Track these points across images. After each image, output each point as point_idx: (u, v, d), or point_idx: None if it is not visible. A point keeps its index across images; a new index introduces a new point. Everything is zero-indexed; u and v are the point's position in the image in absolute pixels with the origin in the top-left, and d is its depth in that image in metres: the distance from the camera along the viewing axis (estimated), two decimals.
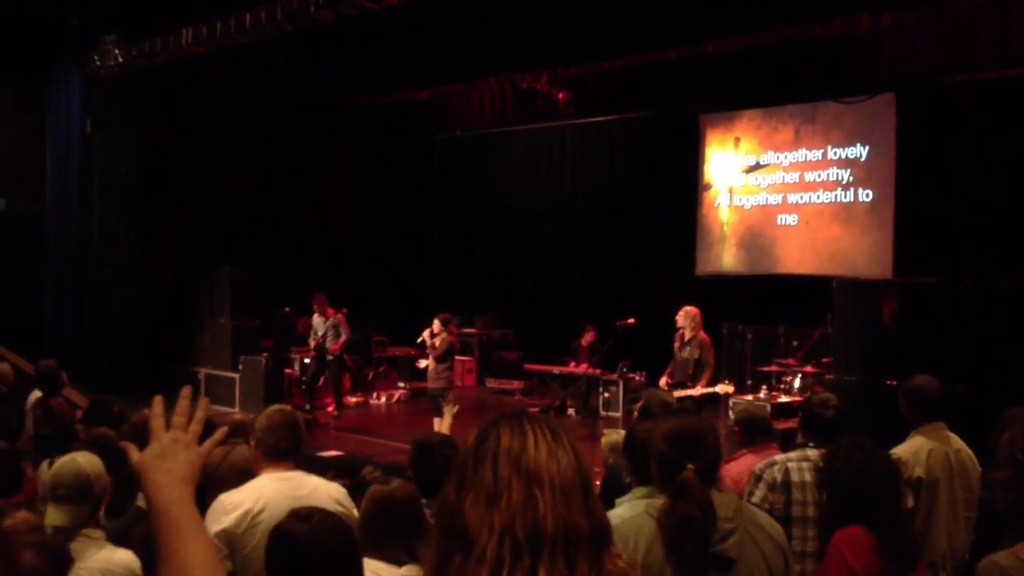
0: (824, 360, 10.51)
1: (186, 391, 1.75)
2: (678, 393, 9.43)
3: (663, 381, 10.07)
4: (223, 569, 1.59)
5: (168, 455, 1.63)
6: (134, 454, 1.65)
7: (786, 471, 4.22)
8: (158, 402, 1.72)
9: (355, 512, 3.57)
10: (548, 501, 1.46)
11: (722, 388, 9.51)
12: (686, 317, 9.84)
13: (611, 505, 3.95)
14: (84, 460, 3.71)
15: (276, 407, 3.97)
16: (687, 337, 9.78)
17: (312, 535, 2.55)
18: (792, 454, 4.40)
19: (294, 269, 15.07)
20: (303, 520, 2.62)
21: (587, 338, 13.99)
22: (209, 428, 5.44)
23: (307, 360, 13.92)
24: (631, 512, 3.56)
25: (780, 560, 2.86)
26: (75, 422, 6.47)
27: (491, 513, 1.45)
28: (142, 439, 1.70)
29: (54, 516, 3.52)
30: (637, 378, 12.89)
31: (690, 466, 2.72)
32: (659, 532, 2.67)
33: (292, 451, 3.76)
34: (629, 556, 2.60)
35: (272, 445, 3.72)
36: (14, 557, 2.58)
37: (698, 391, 9.52)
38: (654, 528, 2.67)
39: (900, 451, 4.53)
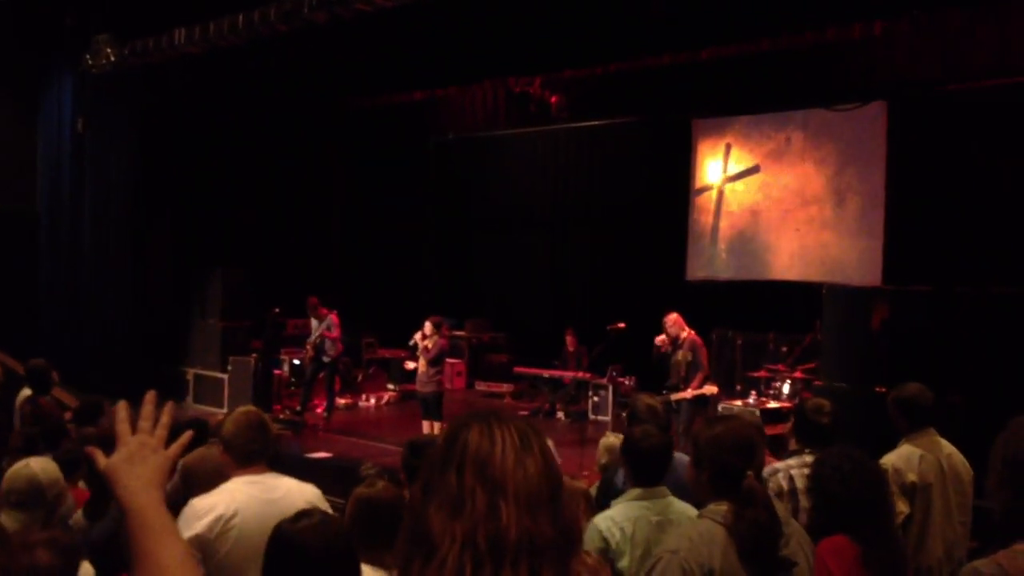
0: (812, 365, 10.55)
1: (150, 396, 1.72)
2: (674, 396, 9.52)
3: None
4: (197, 567, 1.59)
5: (136, 459, 1.62)
6: (101, 459, 1.64)
7: (790, 479, 4.22)
8: (122, 407, 1.69)
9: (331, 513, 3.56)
10: (512, 511, 1.44)
11: (708, 389, 9.64)
12: (675, 326, 9.92)
13: (606, 507, 3.97)
14: (38, 466, 3.68)
15: (242, 409, 3.89)
16: (680, 339, 9.84)
17: (314, 533, 2.55)
18: (791, 461, 4.41)
19: (286, 271, 15.05)
20: (299, 521, 2.62)
21: (570, 343, 14.01)
22: (200, 427, 5.45)
23: (297, 361, 13.91)
24: (627, 513, 3.58)
25: (812, 563, 2.91)
26: (65, 421, 6.46)
27: (454, 522, 1.44)
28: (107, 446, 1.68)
29: (6, 522, 3.47)
30: (627, 382, 12.91)
31: (750, 473, 2.73)
32: (731, 539, 2.67)
33: (262, 452, 3.70)
34: (705, 564, 2.63)
35: (242, 448, 3.66)
36: (19, 558, 2.58)
37: (690, 393, 9.59)
38: (725, 535, 2.68)
39: (891, 458, 4.54)
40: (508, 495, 1.45)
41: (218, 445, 5.42)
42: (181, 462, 5.37)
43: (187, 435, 1.78)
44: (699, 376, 9.73)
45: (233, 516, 3.44)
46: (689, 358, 9.81)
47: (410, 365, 11.51)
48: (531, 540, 1.43)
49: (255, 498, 3.48)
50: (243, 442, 3.66)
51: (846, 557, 3.26)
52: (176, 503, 5.29)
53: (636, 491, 3.70)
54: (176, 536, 1.59)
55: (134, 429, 1.67)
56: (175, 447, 1.70)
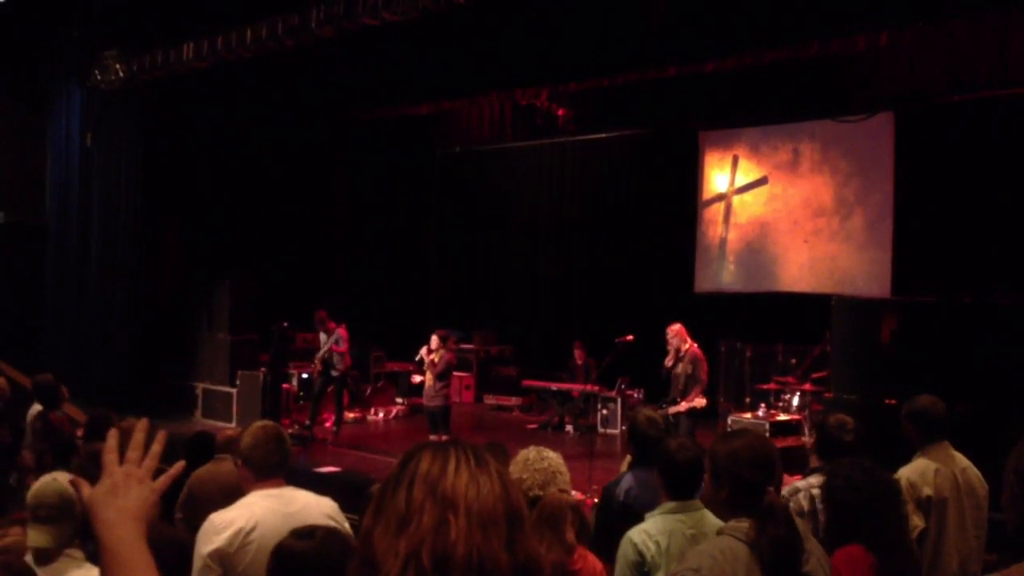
0: (822, 375, 10.52)
1: (142, 424, 1.67)
2: (671, 410, 9.47)
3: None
4: None
5: (120, 491, 1.57)
6: (85, 489, 1.59)
7: (811, 499, 4.19)
8: (112, 435, 1.64)
9: (347, 527, 3.55)
10: (462, 527, 1.36)
11: (697, 402, 9.56)
12: (676, 337, 9.88)
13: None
14: (65, 480, 3.67)
15: (259, 423, 3.90)
16: (682, 352, 9.81)
17: (315, 552, 2.53)
18: (812, 479, 4.36)
19: (293, 284, 15.06)
20: (306, 537, 2.60)
21: (578, 356, 13.99)
22: (206, 441, 5.41)
23: (305, 375, 13.90)
24: (662, 526, 3.57)
25: None
26: (76, 437, 6.46)
27: (399, 539, 1.37)
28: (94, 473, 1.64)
29: (36, 537, 3.48)
30: (635, 395, 12.89)
31: (770, 488, 2.72)
32: (753, 556, 2.65)
33: (280, 466, 3.70)
34: None
35: (260, 462, 3.66)
36: None
37: (684, 407, 9.56)
38: (748, 553, 2.66)
39: (907, 472, 4.50)
40: (459, 510, 1.39)
41: (226, 460, 5.43)
42: (186, 485, 5.36)
43: (178, 466, 1.73)
44: (697, 390, 9.68)
45: (252, 530, 3.44)
46: (689, 371, 9.77)
47: (417, 379, 11.50)
48: (481, 561, 1.35)
49: (274, 511, 3.47)
50: (261, 456, 3.66)
51: (861, 567, 3.24)
52: (184, 519, 5.31)
53: (671, 504, 3.69)
54: (150, 573, 1.53)
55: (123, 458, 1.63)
56: (163, 479, 1.65)
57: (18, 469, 5.47)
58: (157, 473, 1.65)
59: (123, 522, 1.55)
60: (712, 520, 3.64)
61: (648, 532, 3.59)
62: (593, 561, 3.74)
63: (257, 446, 3.68)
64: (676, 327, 10.00)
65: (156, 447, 1.67)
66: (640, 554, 3.53)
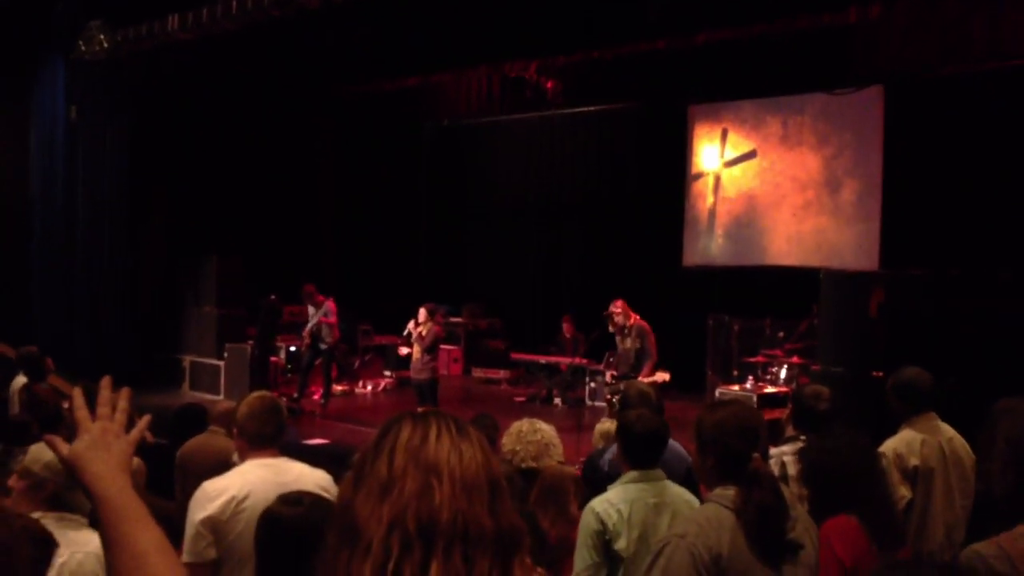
0: (809, 347, 10.55)
1: (106, 381, 1.68)
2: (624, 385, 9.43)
3: (608, 375, 10.11)
4: (173, 551, 1.55)
5: (100, 445, 1.58)
6: (62, 447, 1.59)
7: (782, 465, 4.21)
8: (77, 394, 1.65)
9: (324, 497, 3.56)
10: (446, 492, 1.36)
11: (659, 376, 9.46)
12: (621, 314, 9.87)
13: (592, 495, 3.96)
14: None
15: (256, 394, 3.93)
16: (627, 327, 9.79)
17: (303, 519, 2.53)
18: (785, 447, 4.39)
19: (281, 258, 15.02)
20: (294, 504, 2.60)
21: (567, 330, 14.00)
22: (195, 413, 5.41)
23: (293, 348, 13.88)
24: (624, 495, 3.58)
25: (817, 547, 2.91)
26: (63, 409, 6.43)
27: (382, 505, 1.36)
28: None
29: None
30: None
31: (756, 455, 2.73)
32: (739, 523, 2.66)
33: (275, 437, 3.72)
34: (713, 548, 2.62)
35: (255, 432, 3.69)
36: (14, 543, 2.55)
37: (646, 383, 9.52)
38: (733, 520, 2.67)
39: (893, 443, 4.52)
40: (443, 476, 1.38)
41: (219, 433, 5.43)
42: (179, 451, 5.36)
43: (145, 419, 1.73)
44: (649, 364, 9.66)
45: (245, 498, 3.45)
46: (638, 345, 9.77)
47: (404, 351, 11.49)
48: (466, 526, 1.35)
49: (267, 481, 3.47)
50: (257, 426, 3.69)
51: (849, 535, 3.26)
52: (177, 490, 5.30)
53: (633, 474, 3.71)
54: (150, 520, 1.54)
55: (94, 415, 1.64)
56: (135, 432, 1.66)
57: (4, 441, 5.43)
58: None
59: (111, 474, 1.56)
60: (675, 490, 3.69)
61: (610, 501, 3.61)
62: None
63: (252, 416, 3.71)
64: (620, 303, 10.01)
65: (122, 403, 1.67)
66: (602, 522, 3.55)
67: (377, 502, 1.37)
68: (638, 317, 9.96)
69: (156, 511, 3.66)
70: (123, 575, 1.49)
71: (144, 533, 1.51)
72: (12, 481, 3.62)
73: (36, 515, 3.24)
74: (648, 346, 9.74)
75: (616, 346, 10.32)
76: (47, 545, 2.81)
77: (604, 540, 3.52)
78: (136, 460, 4.76)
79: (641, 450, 3.74)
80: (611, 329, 10.07)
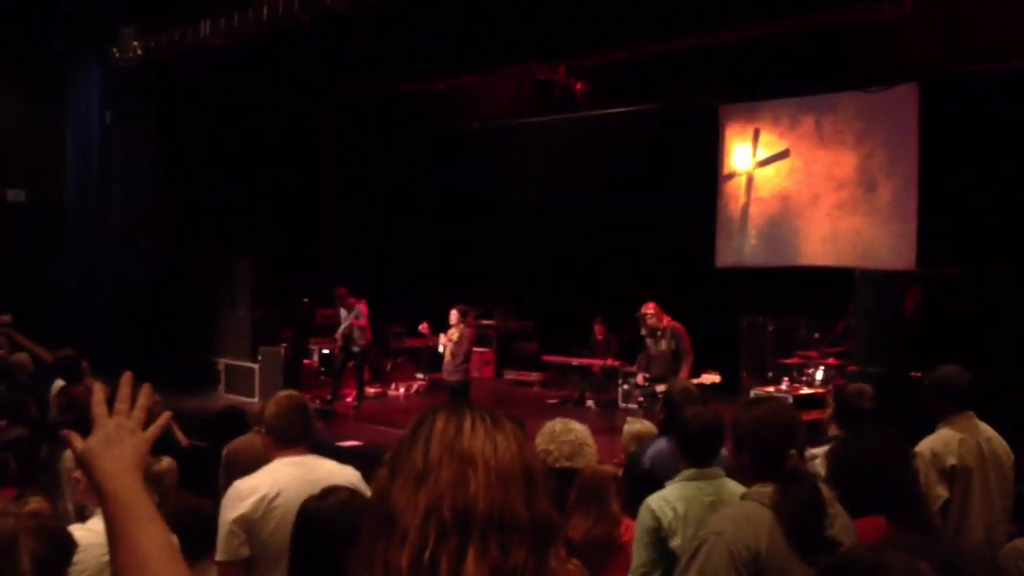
0: (844, 351, 10.44)
1: (126, 378, 1.67)
2: (661, 387, 9.35)
3: (640, 378, 10.04)
4: (179, 553, 1.55)
5: (114, 441, 1.58)
6: (77, 442, 1.59)
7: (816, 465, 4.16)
8: (98, 389, 1.65)
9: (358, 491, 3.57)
10: (481, 482, 1.36)
11: (707, 378, 9.34)
12: (653, 316, 9.80)
13: (632, 493, 3.93)
14: None
15: (284, 392, 3.95)
16: (659, 330, 9.72)
17: (339, 512, 2.54)
18: (828, 448, 4.33)
19: (313, 260, 15.09)
20: (329, 498, 2.62)
21: (599, 331, 13.94)
22: (234, 415, 5.45)
23: (326, 351, 13.94)
24: (680, 492, 3.55)
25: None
26: None
27: (418, 494, 1.36)
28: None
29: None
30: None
31: (793, 452, 2.70)
32: (776, 520, 2.63)
33: (303, 435, 3.75)
34: (752, 546, 2.59)
35: (283, 431, 3.72)
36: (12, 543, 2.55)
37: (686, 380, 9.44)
38: (771, 517, 2.65)
39: (930, 442, 4.46)
40: (477, 466, 1.38)
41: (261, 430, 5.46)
42: (225, 449, 5.39)
43: (165, 416, 1.72)
44: (687, 365, 9.59)
45: (276, 496, 3.47)
46: (673, 347, 9.70)
47: (441, 345, 11.34)
48: (501, 515, 1.35)
49: (297, 478, 3.49)
50: (285, 424, 3.72)
51: (877, 537, 3.18)
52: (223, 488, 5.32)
53: (689, 471, 3.70)
54: (156, 520, 1.53)
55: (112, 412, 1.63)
56: (153, 429, 1.66)
57: (50, 443, 5.48)
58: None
59: (121, 471, 1.55)
60: (732, 487, 3.64)
61: (666, 498, 3.59)
62: None
63: (280, 415, 3.73)
64: (651, 305, 9.93)
65: (142, 399, 1.67)
66: (657, 519, 3.53)
67: (413, 491, 1.38)
68: (671, 319, 9.89)
69: (194, 509, 3.71)
70: (125, 573, 1.48)
71: (148, 533, 1.50)
72: (78, 474, 3.67)
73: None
74: (684, 347, 9.67)
75: (645, 348, 10.24)
76: (65, 544, 2.82)
77: (660, 537, 3.51)
78: (167, 460, 4.80)
79: (698, 447, 3.72)
80: (643, 332, 10.01)
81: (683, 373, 9.41)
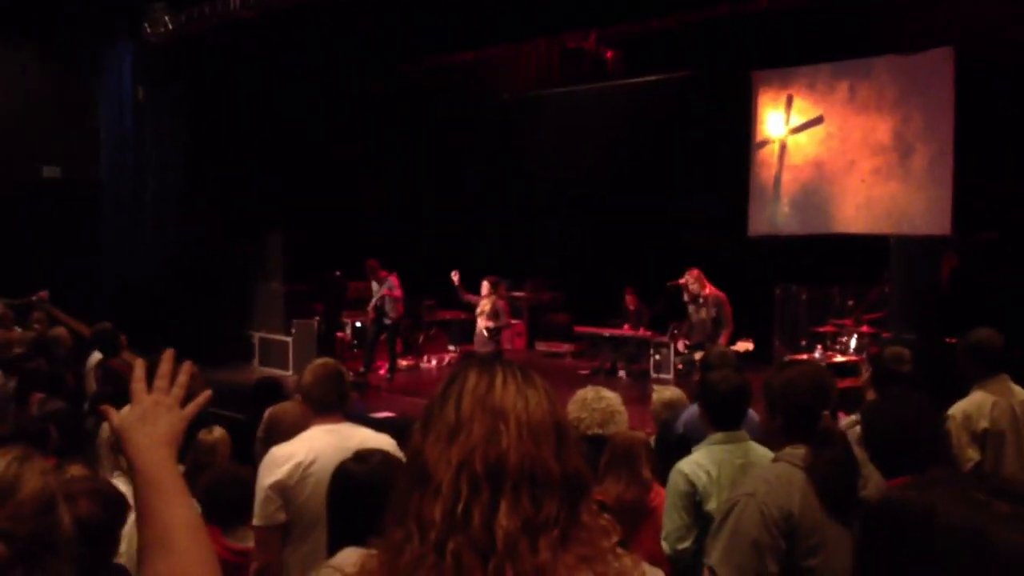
0: (878, 318, 10.35)
1: (167, 355, 1.70)
2: (699, 355, 9.33)
3: (681, 344, 10.00)
4: (206, 531, 1.56)
5: (149, 418, 1.60)
6: (114, 417, 1.62)
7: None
8: (139, 365, 1.67)
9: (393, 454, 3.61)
10: (513, 436, 1.39)
11: (742, 346, 9.33)
12: (696, 282, 9.76)
13: (664, 459, 3.94)
14: None
15: (320, 361, 4.01)
16: (701, 298, 9.69)
17: (373, 475, 2.57)
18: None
19: (344, 233, 15.15)
20: (365, 461, 2.66)
21: (630, 301, 13.90)
22: (271, 385, 5.53)
23: (359, 323, 14.01)
24: (711, 456, 3.55)
25: None
26: None
27: (450, 448, 1.39)
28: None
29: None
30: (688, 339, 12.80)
31: (826, 413, 2.70)
32: (809, 481, 2.64)
33: (339, 403, 3.80)
34: (784, 507, 2.60)
35: (319, 398, 3.77)
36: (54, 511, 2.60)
37: (722, 345, 9.41)
38: (803, 478, 2.65)
39: (963, 405, 4.44)
40: (509, 421, 1.41)
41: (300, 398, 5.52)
42: (267, 412, 5.46)
43: (205, 394, 1.74)
44: (726, 333, 9.55)
45: (312, 463, 3.53)
46: (714, 314, 9.66)
47: (484, 319, 11.29)
48: (533, 468, 1.38)
49: (333, 446, 3.53)
50: (321, 392, 3.77)
51: None
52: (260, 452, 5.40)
53: (718, 435, 3.69)
54: (185, 497, 1.56)
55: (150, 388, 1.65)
56: (191, 406, 1.68)
57: (95, 414, 5.57)
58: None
59: (154, 447, 1.58)
60: (759, 451, 3.65)
61: (698, 463, 3.59)
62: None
63: (317, 383, 3.79)
64: (695, 272, 9.89)
65: (182, 377, 1.69)
66: (692, 484, 3.54)
67: (446, 445, 1.40)
68: (714, 288, 9.84)
69: (233, 476, 3.77)
70: (149, 547, 1.50)
71: (175, 508, 1.52)
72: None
73: None
74: (724, 316, 9.64)
75: (687, 316, 10.22)
76: (120, 506, 2.88)
77: (695, 502, 3.52)
78: (219, 430, 4.87)
79: (725, 411, 3.72)
80: (685, 298, 9.98)
81: (722, 341, 9.38)
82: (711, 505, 3.48)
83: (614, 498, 3.75)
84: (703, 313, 9.75)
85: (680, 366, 10.25)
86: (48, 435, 4.87)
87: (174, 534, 1.50)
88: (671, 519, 3.54)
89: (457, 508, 1.35)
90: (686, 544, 3.51)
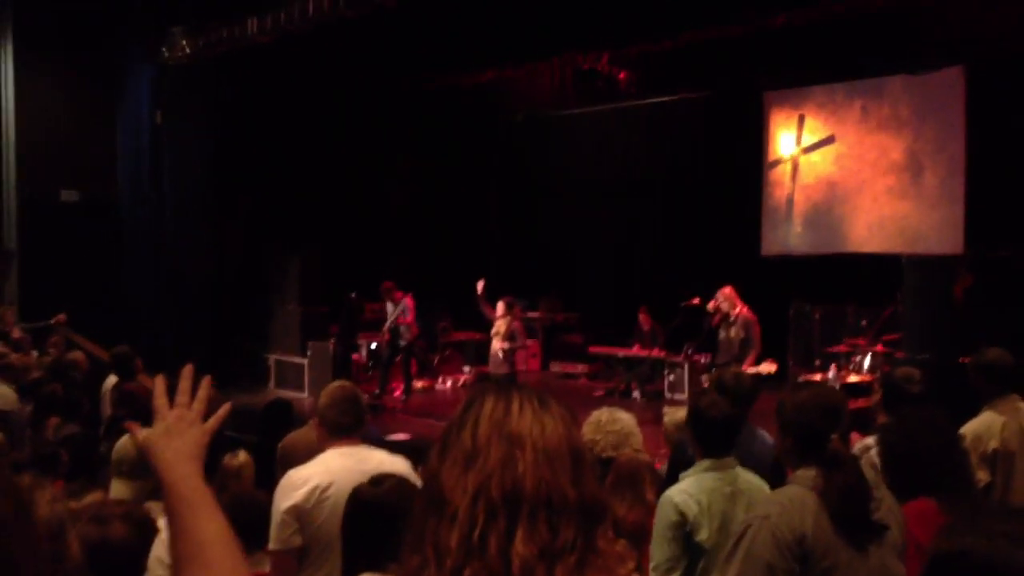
0: (894, 337, 10.32)
1: (187, 371, 1.71)
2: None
3: (699, 361, 9.97)
4: (237, 544, 1.58)
5: (174, 433, 1.62)
6: (139, 433, 1.65)
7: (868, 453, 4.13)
8: (159, 381, 1.70)
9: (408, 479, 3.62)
10: (530, 462, 1.39)
11: (765, 367, 9.27)
12: (727, 300, 9.73)
13: (673, 478, 3.94)
14: None
15: (337, 383, 4.02)
16: (732, 316, 9.66)
17: (389, 498, 2.59)
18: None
19: (360, 255, 15.21)
20: (380, 484, 2.67)
21: (644, 321, 13.88)
22: (281, 407, 5.56)
23: (374, 345, 14.04)
24: (700, 484, 3.55)
25: (903, 528, 2.88)
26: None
27: (467, 474, 1.39)
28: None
29: (119, 490, 3.64)
30: (703, 360, 12.78)
31: (835, 436, 2.71)
32: (822, 504, 2.65)
33: (355, 426, 3.80)
34: (797, 529, 2.61)
35: (335, 421, 3.77)
36: (91, 531, 2.65)
37: (739, 369, 9.37)
38: (816, 500, 2.66)
39: (973, 425, 4.44)
40: (525, 447, 1.41)
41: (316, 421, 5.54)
42: (280, 444, 5.48)
43: (225, 408, 1.76)
44: (752, 354, 9.50)
45: (328, 486, 3.53)
46: (742, 335, 9.62)
47: (499, 340, 11.28)
48: (550, 495, 1.38)
49: (349, 469, 3.54)
50: (336, 415, 3.77)
51: (928, 519, 3.18)
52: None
53: (706, 462, 3.64)
54: (215, 511, 1.57)
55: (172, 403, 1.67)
56: (212, 421, 1.69)
57: (110, 438, 5.61)
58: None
59: (180, 461, 1.60)
60: (747, 477, 3.63)
61: (688, 492, 3.53)
62: None
63: (332, 405, 3.79)
64: (727, 290, 9.87)
65: (202, 392, 1.70)
66: (682, 514, 3.47)
67: (462, 471, 1.41)
68: (747, 308, 9.80)
69: (248, 500, 3.80)
70: (183, 562, 1.52)
71: (207, 523, 1.54)
72: None
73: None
74: (753, 336, 9.60)
75: (715, 335, 10.15)
76: (147, 529, 2.93)
77: (684, 532, 3.47)
78: (244, 455, 4.90)
79: (716, 437, 3.67)
80: (716, 317, 9.91)
81: (746, 363, 9.31)
82: (702, 535, 3.45)
83: (617, 520, 3.75)
84: (731, 332, 9.70)
85: (707, 385, 10.22)
86: (59, 459, 4.91)
87: (207, 548, 1.52)
88: (661, 550, 3.48)
89: (473, 535, 1.36)
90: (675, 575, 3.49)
